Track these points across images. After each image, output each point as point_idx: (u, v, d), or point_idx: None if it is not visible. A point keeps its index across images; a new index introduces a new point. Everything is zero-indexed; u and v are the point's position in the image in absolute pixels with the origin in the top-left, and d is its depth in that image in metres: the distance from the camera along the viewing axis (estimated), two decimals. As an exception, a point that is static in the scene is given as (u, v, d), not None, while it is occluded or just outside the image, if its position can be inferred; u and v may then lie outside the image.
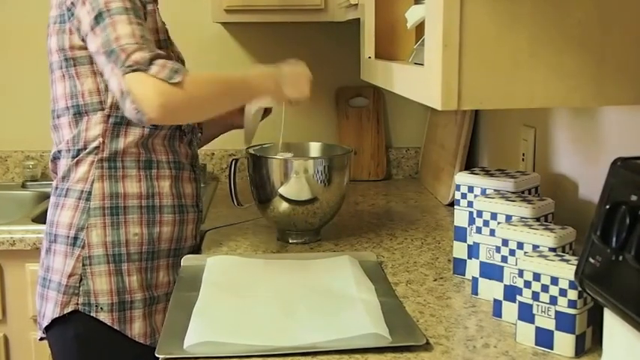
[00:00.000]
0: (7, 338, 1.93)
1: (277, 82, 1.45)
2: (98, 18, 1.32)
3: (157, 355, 1.05)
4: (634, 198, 0.81)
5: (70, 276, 1.44)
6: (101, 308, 1.44)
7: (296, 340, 1.07)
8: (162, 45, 1.44)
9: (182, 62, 1.62)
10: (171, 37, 1.55)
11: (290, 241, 1.64)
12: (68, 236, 1.45)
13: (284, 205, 1.59)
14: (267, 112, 1.68)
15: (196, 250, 1.59)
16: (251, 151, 1.65)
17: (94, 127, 1.43)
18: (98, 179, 1.44)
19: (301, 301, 1.23)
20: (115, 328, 1.44)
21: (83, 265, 1.43)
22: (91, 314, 1.44)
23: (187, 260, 1.48)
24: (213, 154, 2.40)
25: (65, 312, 1.44)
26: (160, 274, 1.49)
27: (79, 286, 1.43)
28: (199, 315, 1.16)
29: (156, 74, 1.26)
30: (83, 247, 1.43)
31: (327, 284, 1.30)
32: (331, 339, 1.07)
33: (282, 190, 1.58)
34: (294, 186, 1.57)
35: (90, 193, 1.44)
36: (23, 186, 2.33)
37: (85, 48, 1.39)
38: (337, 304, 1.21)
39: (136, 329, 1.46)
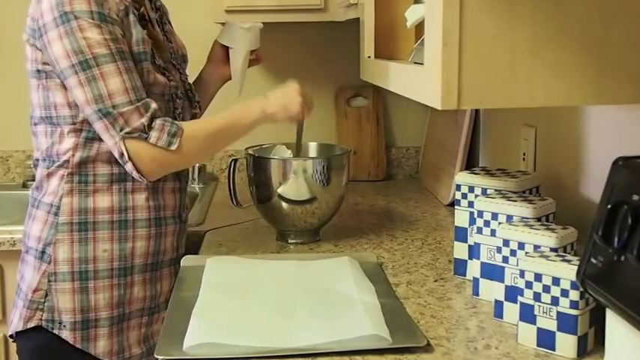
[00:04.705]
0: (7, 339, 1.92)
1: (265, 112, 1.44)
2: (84, 65, 1.30)
3: (156, 356, 1.05)
4: (636, 198, 0.81)
5: (35, 291, 1.42)
6: (64, 326, 1.41)
7: (296, 342, 1.07)
8: (143, 58, 1.39)
9: (183, 57, 1.62)
10: (168, 35, 1.55)
11: (289, 242, 1.64)
12: (37, 250, 1.43)
13: (283, 206, 1.59)
14: (256, 59, 1.74)
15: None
16: (250, 151, 1.65)
17: (66, 140, 1.39)
18: (67, 194, 1.40)
19: (301, 303, 1.22)
20: (77, 346, 1.41)
21: (49, 281, 1.41)
22: (54, 331, 1.41)
23: (187, 261, 1.48)
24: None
25: (28, 326, 1.42)
26: (135, 289, 1.45)
27: (44, 302, 1.41)
28: (199, 316, 1.16)
29: (155, 142, 1.33)
30: (49, 263, 1.41)
31: (327, 285, 1.30)
32: (331, 340, 1.07)
33: (281, 191, 1.57)
34: (292, 186, 1.57)
35: (59, 207, 1.40)
36: (24, 186, 2.32)
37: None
38: (337, 305, 1.20)
39: (101, 347, 1.42)
